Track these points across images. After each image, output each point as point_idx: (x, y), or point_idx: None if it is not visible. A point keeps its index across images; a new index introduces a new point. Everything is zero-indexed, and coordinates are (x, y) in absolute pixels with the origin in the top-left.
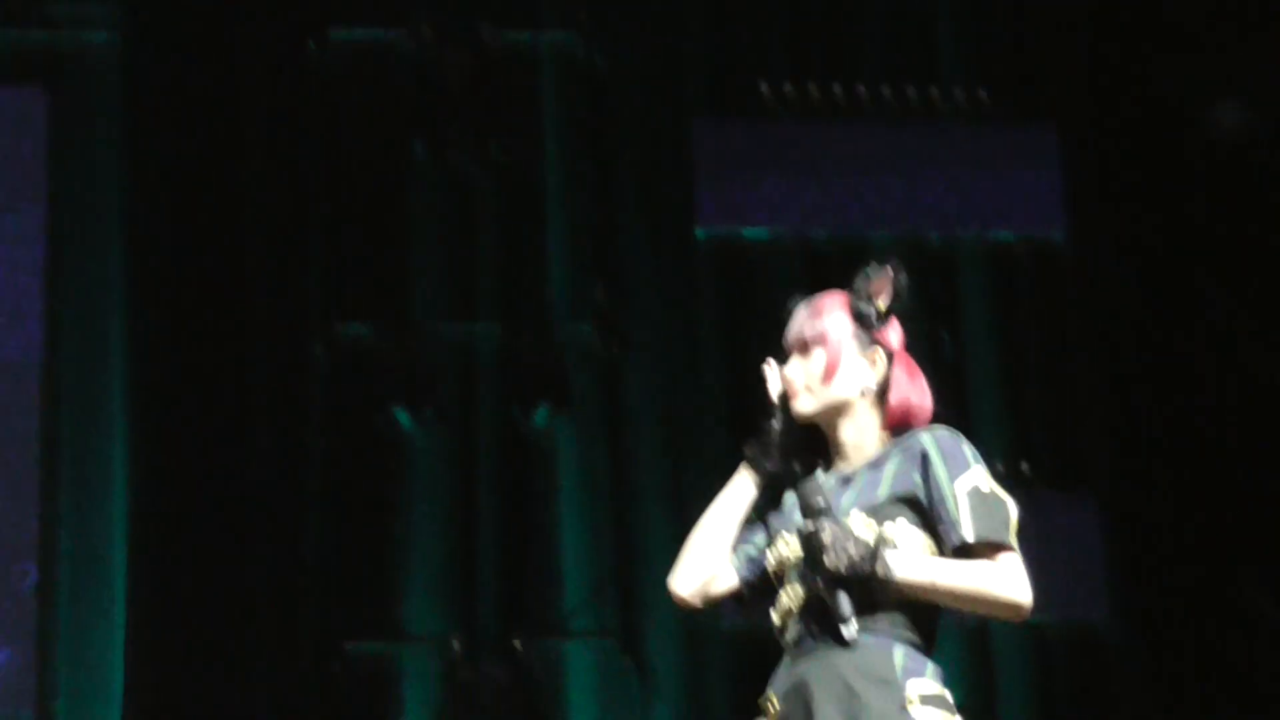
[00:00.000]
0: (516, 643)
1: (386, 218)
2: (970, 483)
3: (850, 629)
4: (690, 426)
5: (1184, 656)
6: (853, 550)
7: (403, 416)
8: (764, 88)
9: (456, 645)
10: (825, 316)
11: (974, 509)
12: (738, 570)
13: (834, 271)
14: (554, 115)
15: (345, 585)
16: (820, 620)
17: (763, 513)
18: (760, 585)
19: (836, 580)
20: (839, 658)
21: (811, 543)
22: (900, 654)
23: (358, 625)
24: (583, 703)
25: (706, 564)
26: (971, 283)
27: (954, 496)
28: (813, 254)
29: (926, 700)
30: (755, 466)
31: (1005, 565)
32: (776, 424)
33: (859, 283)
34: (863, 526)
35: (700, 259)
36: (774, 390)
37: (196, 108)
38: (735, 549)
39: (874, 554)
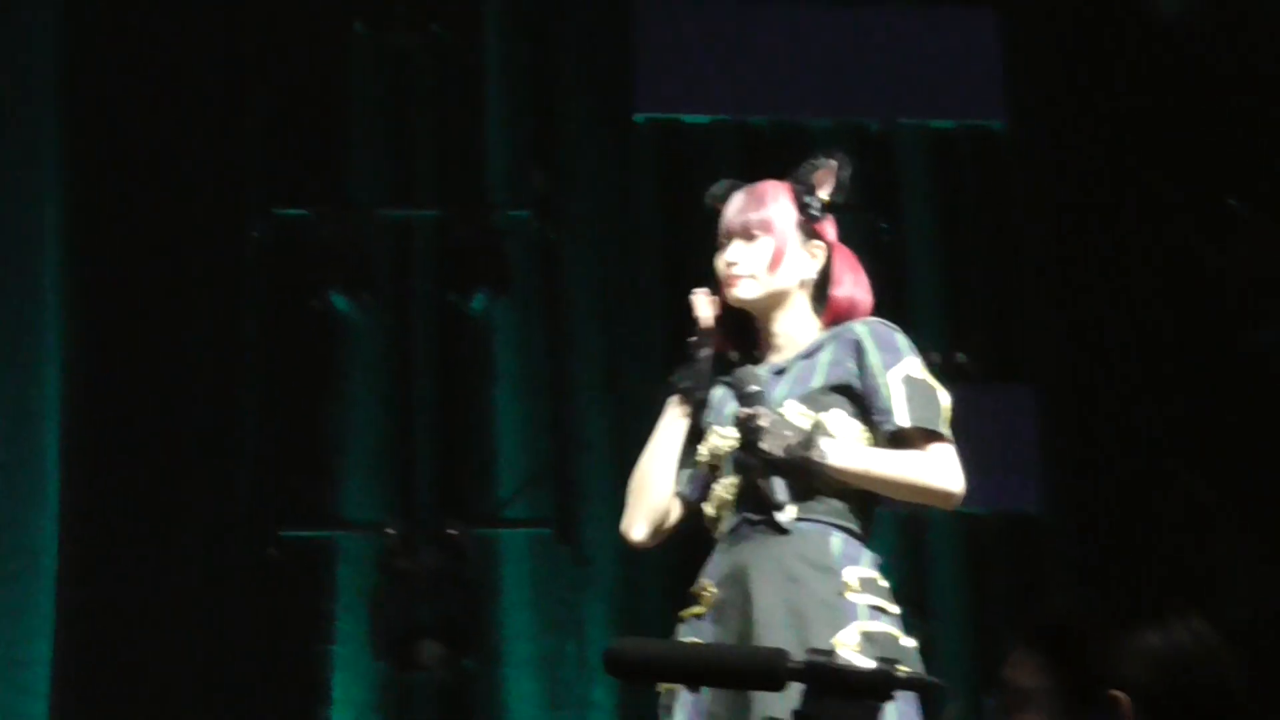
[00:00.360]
0: (452, 530)
1: (325, 100)
2: (904, 371)
3: (786, 514)
4: (628, 313)
5: (1117, 545)
6: (789, 435)
7: (340, 301)
8: None
9: (392, 532)
10: (770, 204)
11: (909, 397)
12: (685, 496)
13: (773, 158)
14: None
15: (281, 471)
16: (756, 508)
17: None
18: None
19: (772, 466)
20: (777, 545)
21: (748, 426)
22: (838, 541)
23: (294, 511)
24: (518, 591)
25: (655, 505)
26: (911, 171)
27: (888, 385)
28: (752, 140)
29: (865, 586)
30: (686, 396)
31: (938, 454)
32: (707, 351)
33: (804, 173)
34: (798, 415)
35: (639, 144)
36: (705, 318)
37: None
38: (677, 476)
39: (809, 440)
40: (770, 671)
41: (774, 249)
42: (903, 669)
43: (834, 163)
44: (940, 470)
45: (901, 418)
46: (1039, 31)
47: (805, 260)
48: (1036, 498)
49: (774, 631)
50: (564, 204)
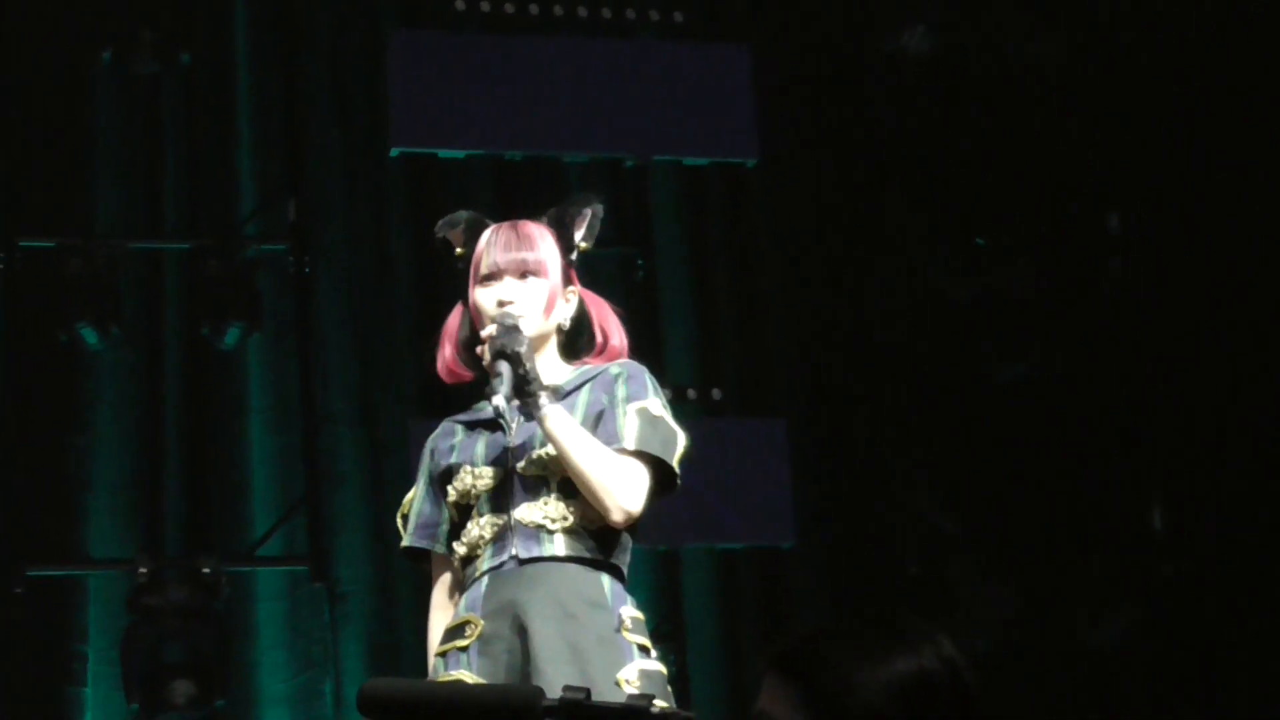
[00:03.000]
0: (205, 568)
1: (71, 130)
2: (641, 405)
3: (501, 402)
4: (382, 347)
5: (863, 575)
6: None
7: (88, 334)
8: (459, 3)
9: (143, 570)
10: (541, 246)
11: (639, 426)
12: (445, 552)
13: (528, 193)
14: (246, 28)
15: (27, 508)
16: (522, 545)
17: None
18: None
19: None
20: (550, 581)
21: (507, 325)
22: (607, 581)
23: (40, 549)
24: (272, 628)
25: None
26: (665, 207)
27: (625, 414)
28: (507, 175)
29: (635, 625)
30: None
31: (635, 469)
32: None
33: (563, 216)
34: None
35: (394, 178)
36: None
37: None
38: (435, 534)
39: (544, 388)
40: (527, 709)
41: (549, 291)
42: (659, 704)
43: (592, 208)
44: (627, 482)
45: (628, 441)
46: (792, 70)
47: (565, 305)
48: (790, 532)
49: (555, 666)
50: (317, 237)
